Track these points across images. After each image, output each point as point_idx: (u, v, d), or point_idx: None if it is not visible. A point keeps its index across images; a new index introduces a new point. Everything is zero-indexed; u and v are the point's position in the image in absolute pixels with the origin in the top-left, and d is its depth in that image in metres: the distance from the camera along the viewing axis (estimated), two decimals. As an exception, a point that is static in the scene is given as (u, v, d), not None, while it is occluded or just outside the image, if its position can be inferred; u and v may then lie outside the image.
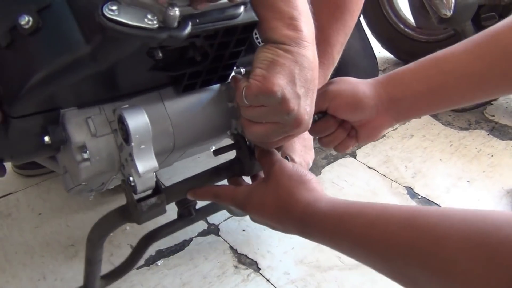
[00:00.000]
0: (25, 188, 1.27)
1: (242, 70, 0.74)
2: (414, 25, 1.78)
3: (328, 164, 1.36)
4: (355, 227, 0.54)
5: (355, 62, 1.30)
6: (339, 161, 1.37)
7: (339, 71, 1.23)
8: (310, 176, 0.63)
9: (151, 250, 1.06)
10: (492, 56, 0.63)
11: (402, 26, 1.84)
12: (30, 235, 1.11)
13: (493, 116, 1.57)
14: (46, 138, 0.58)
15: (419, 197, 1.23)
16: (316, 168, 1.33)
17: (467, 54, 0.65)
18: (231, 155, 0.74)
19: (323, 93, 0.71)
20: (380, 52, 1.92)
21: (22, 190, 1.26)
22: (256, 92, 0.56)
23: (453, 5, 1.35)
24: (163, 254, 1.06)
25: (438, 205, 1.19)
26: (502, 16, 1.43)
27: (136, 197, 0.62)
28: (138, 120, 0.55)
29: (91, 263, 0.73)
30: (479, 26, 1.43)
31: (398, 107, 0.70)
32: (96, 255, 0.72)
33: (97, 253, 0.71)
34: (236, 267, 1.02)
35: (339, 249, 0.57)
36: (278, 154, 0.67)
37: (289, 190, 0.61)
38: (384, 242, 0.50)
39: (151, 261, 1.04)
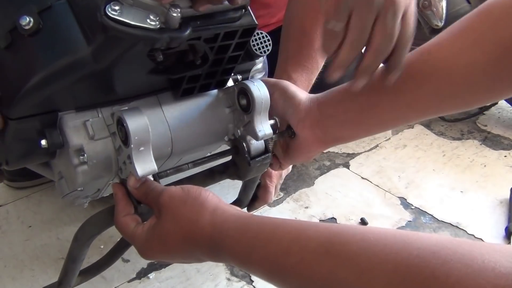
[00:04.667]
0: (15, 201, 1.25)
1: (239, 77, 0.74)
2: (405, 37, 1.80)
3: (321, 174, 1.36)
4: (269, 255, 0.49)
5: (349, 71, 1.31)
6: (332, 171, 1.37)
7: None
8: (205, 192, 0.57)
9: (143, 263, 1.05)
10: (423, 74, 0.61)
11: (393, 38, 1.86)
12: (20, 248, 1.09)
13: (486, 126, 1.58)
14: (43, 142, 0.57)
15: (413, 207, 1.23)
16: (309, 179, 1.33)
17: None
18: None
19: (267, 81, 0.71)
20: (372, 63, 1.93)
21: (12, 202, 1.24)
22: None
23: (444, 15, 1.37)
24: (154, 266, 1.04)
25: (432, 216, 1.20)
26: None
27: None
28: (137, 122, 0.55)
29: (75, 261, 0.70)
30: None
31: (327, 125, 0.68)
32: (82, 254, 0.69)
33: (83, 252, 0.69)
34: (228, 279, 1.01)
35: (256, 275, 0.53)
36: (159, 185, 0.60)
37: (189, 217, 0.55)
38: (301, 272, 0.46)
39: (143, 274, 1.02)
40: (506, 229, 1.13)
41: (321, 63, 0.95)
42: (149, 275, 1.02)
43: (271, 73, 0.96)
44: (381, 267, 0.41)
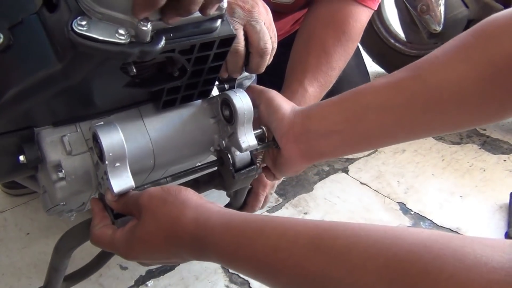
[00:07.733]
0: (13, 208, 1.25)
1: (226, 86, 0.73)
2: (405, 40, 1.79)
3: (320, 180, 1.34)
4: (256, 252, 0.48)
5: (349, 78, 1.30)
6: (331, 177, 1.36)
7: (333, 86, 1.23)
8: (186, 191, 0.56)
9: (141, 270, 1.04)
10: (412, 90, 0.60)
11: (392, 41, 1.86)
12: (18, 256, 1.09)
13: (485, 130, 1.57)
14: (21, 158, 0.57)
15: (412, 213, 1.21)
16: (308, 184, 1.32)
17: (387, 88, 0.62)
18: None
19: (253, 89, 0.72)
20: (372, 66, 1.93)
21: (9, 209, 1.24)
22: None
23: (442, 20, 1.36)
24: (153, 274, 1.04)
25: (432, 221, 1.18)
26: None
27: None
28: (112, 138, 0.54)
29: (57, 270, 0.70)
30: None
31: (310, 140, 0.67)
32: (63, 264, 0.69)
33: (64, 262, 0.68)
34: (227, 286, 1.00)
35: (242, 273, 0.52)
36: (138, 192, 0.58)
37: (171, 215, 0.54)
38: (290, 269, 0.45)
39: (141, 281, 1.02)
40: (506, 234, 1.11)
41: (333, 81, 0.96)
42: (147, 282, 1.02)
43: (279, 77, 0.95)
44: (373, 263, 0.40)
